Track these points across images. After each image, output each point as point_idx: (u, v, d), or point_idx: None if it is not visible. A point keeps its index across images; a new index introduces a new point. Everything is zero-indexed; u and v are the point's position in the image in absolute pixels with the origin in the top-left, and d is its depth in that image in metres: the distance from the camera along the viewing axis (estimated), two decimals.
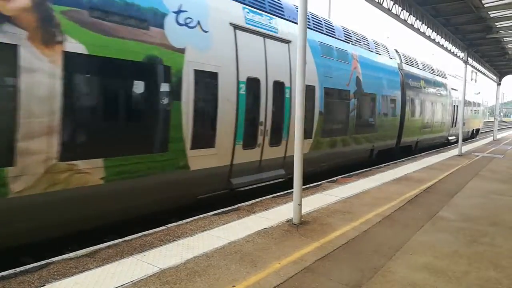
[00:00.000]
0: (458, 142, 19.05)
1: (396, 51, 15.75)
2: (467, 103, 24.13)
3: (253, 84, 7.78)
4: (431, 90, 18.41)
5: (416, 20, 11.92)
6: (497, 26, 13.85)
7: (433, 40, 13.88)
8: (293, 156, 5.96)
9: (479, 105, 30.10)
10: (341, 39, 11.46)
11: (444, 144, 21.64)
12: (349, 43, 11.82)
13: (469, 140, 26.40)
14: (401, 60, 15.62)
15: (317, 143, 9.98)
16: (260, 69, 7.98)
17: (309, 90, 8.95)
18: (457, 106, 22.13)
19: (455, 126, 22.50)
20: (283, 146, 8.78)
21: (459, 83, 22.48)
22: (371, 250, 5.06)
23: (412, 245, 5.34)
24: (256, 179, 8.21)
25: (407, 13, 11.32)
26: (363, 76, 11.92)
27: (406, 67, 15.80)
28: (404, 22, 11.34)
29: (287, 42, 8.79)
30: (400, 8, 10.86)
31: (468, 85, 24.77)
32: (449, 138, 22.37)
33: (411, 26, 11.82)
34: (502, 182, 10.38)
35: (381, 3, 9.87)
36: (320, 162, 10.46)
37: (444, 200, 8.09)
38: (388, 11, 10.34)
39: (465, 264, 4.73)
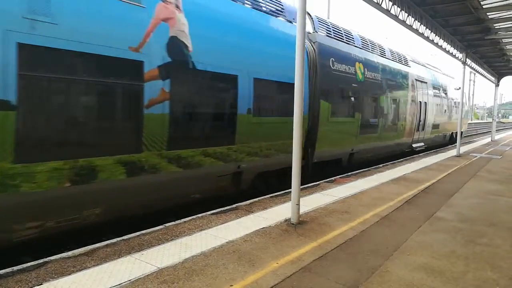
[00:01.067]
0: (427, 151, 17.15)
1: (309, 14, 10.01)
2: (440, 97, 19.76)
3: None
4: (378, 78, 13.03)
5: (414, 21, 11.94)
6: (496, 27, 13.89)
7: (432, 41, 13.92)
8: None
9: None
10: None
11: (407, 153, 16.60)
12: None
13: (450, 146, 21.29)
14: (315, 28, 10.15)
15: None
16: None
17: None
18: (425, 103, 17.43)
19: (423, 129, 17.50)
20: None
21: (427, 73, 18.54)
22: (369, 250, 5.07)
23: (410, 245, 5.35)
24: None
25: (406, 14, 11.34)
26: (194, 38, 6.49)
27: (326, 41, 10.39)
28: (403, 23, 11.36)
29: None
30: (399, 9, 10.87)
31: (445, 78, 21.66)
32: (414, 145, 17.09)
33: (409, 27, 11.84)
34: (500, 183, 10.40)
35: (379, 3, 9.89)
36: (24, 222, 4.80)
37: (442, 200, 8.11)
38: (387, 12, 10.36)
39: (463, 265, 4.74)
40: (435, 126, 19.28)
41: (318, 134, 9.87)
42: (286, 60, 8.28)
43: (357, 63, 11.68)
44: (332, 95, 10.48)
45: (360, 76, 11.86)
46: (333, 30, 11.00)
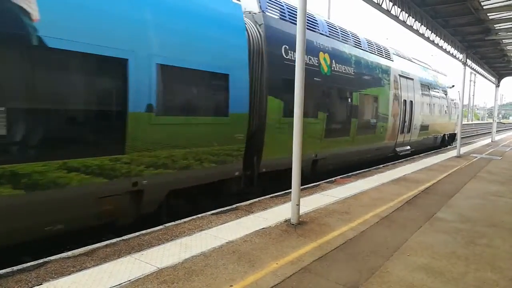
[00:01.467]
0: (413, 155, 16.43)
1: None
2: (429, 95, 18.21)
3: None
4: (351, 72, 11.27)
5: (415, 21, 11.94)
6: (496, 28, 13.88)
7: (432, 42, 13.91)
8: None
9: (456, 103, 22.52)
10: None
11: (390, 158, 14.84)
12: None
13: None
14: (261, 7, 8.26)
15: None
16: None
17: None
18: (411, 102, 15.75)
19: (408, 131, 15.75)
20: None
21: (414, 69, 16.92)
22: (369, 251, 5.07)
23: (410, 245, 5.34)
24: None
25: (406, 15, 11.34)
26: (44, 3, 4.51)
27: (278, 24, 8.51)
28: (403, 23, 11.36)
29: None
30: (399, 10, 10.87)
31: (437, 75, 20.52)
32: (398, 149, 15.27)
33: (410, 28, 11.84)
34: (500, 184, 10.39)
35: (380, 4, 9.88)
36: None
37: (442, 201, 8.10)
38: (387, 12, 10.36)
39: (463, 265, 4.73)
40: (424, 128, 17.59)
41: (265, 138, 8.06)
42: (210, 42, 6.67)
43: (321, 53, 9.91)
44: (286, 90, 7.95)
45: (326, 69, 10.07)
46: (288, 12, 8.91)
